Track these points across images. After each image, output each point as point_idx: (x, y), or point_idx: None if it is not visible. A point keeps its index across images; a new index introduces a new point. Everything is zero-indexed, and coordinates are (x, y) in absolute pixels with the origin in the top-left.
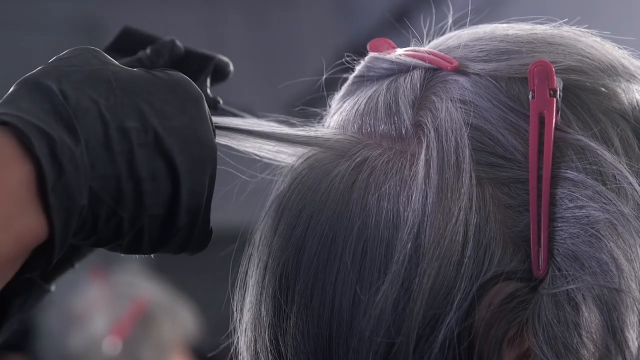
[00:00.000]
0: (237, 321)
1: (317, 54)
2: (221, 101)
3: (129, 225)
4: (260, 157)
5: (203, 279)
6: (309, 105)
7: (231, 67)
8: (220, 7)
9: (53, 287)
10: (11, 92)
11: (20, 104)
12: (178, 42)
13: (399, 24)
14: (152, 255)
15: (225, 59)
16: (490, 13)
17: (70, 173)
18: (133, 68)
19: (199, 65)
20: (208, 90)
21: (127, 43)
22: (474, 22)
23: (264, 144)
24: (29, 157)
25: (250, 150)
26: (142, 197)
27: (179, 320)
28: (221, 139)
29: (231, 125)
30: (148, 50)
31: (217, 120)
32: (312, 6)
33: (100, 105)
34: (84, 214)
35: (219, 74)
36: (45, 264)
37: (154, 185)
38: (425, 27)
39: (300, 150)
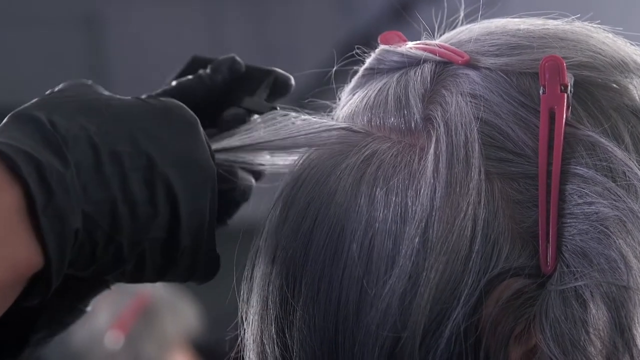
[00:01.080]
0: (244, 313)
1: (318, 48)
2: (278, 108)
3: (129, 251)
4: (266, 167)
5: None
6: (317, 98)
7: (292, 82)
8: (221, 1)
9: (89, 308)
10: (3, 124)
11: (10, 133)
12: (238, 59)
13: (402, 17)
14: None
15: (286, 73)
16: (501, 8)
17: (60, 195)
18: (183, 86)
19: (259, 80)
20: (263, 100)
21: (195, 70)
22: (485, 17)
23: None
24: (17, 182)
25: (256, 161)
26: (139, 220)
27: (181, 316)
28: (224, 156)
29: (230, 146)
30: (208, 69)
31: (218, 144)
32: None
33: (91, 131)
34: (81, 240)
35: (281, 88)
36: (43, 292)
37: (151, 209)
38: (435, 21)
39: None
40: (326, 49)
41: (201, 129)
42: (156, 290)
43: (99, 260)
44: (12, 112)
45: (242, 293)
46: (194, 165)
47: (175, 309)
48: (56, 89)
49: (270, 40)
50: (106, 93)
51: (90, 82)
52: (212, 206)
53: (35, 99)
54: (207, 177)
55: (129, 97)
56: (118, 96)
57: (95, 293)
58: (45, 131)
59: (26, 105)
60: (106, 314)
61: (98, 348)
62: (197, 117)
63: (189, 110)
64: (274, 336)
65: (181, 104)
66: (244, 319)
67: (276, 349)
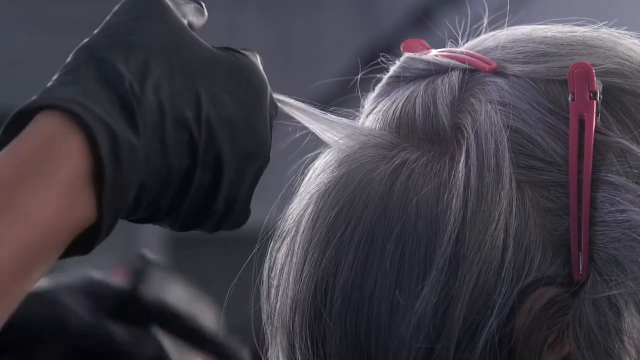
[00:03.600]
0: (270, 324)
1: (339, 54)
2: None
3: (167, 209)
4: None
5: (225, 279)
6: (340, 106)
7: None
8: (241, 7)
9: None
10: (75, 63)
11: (87, 85)
12: None
13: (424, 23)
14: (173, 255)
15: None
16: (525, 15)
17: (127, 169)
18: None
19: None
20: None
21: None
22: (510, 24)
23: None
24: (90, 149)
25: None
26: (183, 186)
27: (200, 318)
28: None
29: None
30: None
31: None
32: (334, 5)
33: (161, 92)
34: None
35: None
36: (84, 251)
37: (196, 175)
38: (457, 27)
39: (341, 141)
40: (348, 56)
41: (268, 95)
42: (175, 295)
43: (138, 214)
44: (83, 46)
45: (267, 302)
46: (247, 135)
47: (193, 311)
48: (123, 12)
49: (292, 47)
50: (173, 21)
51: None
52: (257, 175)
53: (105, 29)
54: (258, 149)
55: (200, 40)
56: (185, 32)
57: None
58: (122, 91)
59: (98, 40)
60: None
61: None
62: (266, 81)
63: (260, 71)
64: (306, 347)
65: (254, 62)
66: (272, 328)
67: (309, 358)
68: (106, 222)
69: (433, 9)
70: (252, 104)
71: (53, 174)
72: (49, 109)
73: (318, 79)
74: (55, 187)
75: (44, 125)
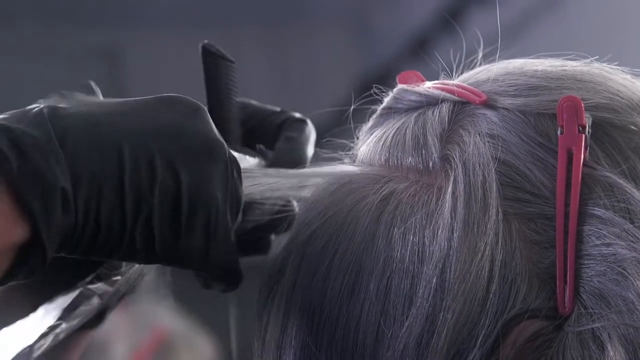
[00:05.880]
0: (258, 356)
1: (336, 84)
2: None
3: (132, 218)
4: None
5: (223, 309)
6: (335, 137)
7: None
8: (237, 37)
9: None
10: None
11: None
12: None
13: (420, 55)
14: (172, 284)
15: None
16: (520, 49)
17: (34, 154)
18: None
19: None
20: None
21: (216, 67)
22: (503, 57)
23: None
24: None
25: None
26: (140, 188)
27: (198, 351)
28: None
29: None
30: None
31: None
32: (330, 36)
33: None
34: (76, 207)
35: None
36: (36, 263)
37: (151, 175)
38: (453, 60)
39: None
40: (344, 87)
41: (208, 115)
42: (173, 325)
43: (105, 232)
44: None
45: (256, 335)
46: (196, 138)
47: (192, 344)
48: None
49: (288, 77)
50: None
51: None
52: (227, 185)
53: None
54: (213, 149)
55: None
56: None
57: (92, 270)
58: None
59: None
60: (123, 348)
61: None
62: (203, 106)
63: (190, 99)
64: None
65: (180, 96)
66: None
67: None
68: (37, 210)
69: (428, 41)
70: (195, 117)
71: None
72: None
73: (315, 110)
74: None
75: None
